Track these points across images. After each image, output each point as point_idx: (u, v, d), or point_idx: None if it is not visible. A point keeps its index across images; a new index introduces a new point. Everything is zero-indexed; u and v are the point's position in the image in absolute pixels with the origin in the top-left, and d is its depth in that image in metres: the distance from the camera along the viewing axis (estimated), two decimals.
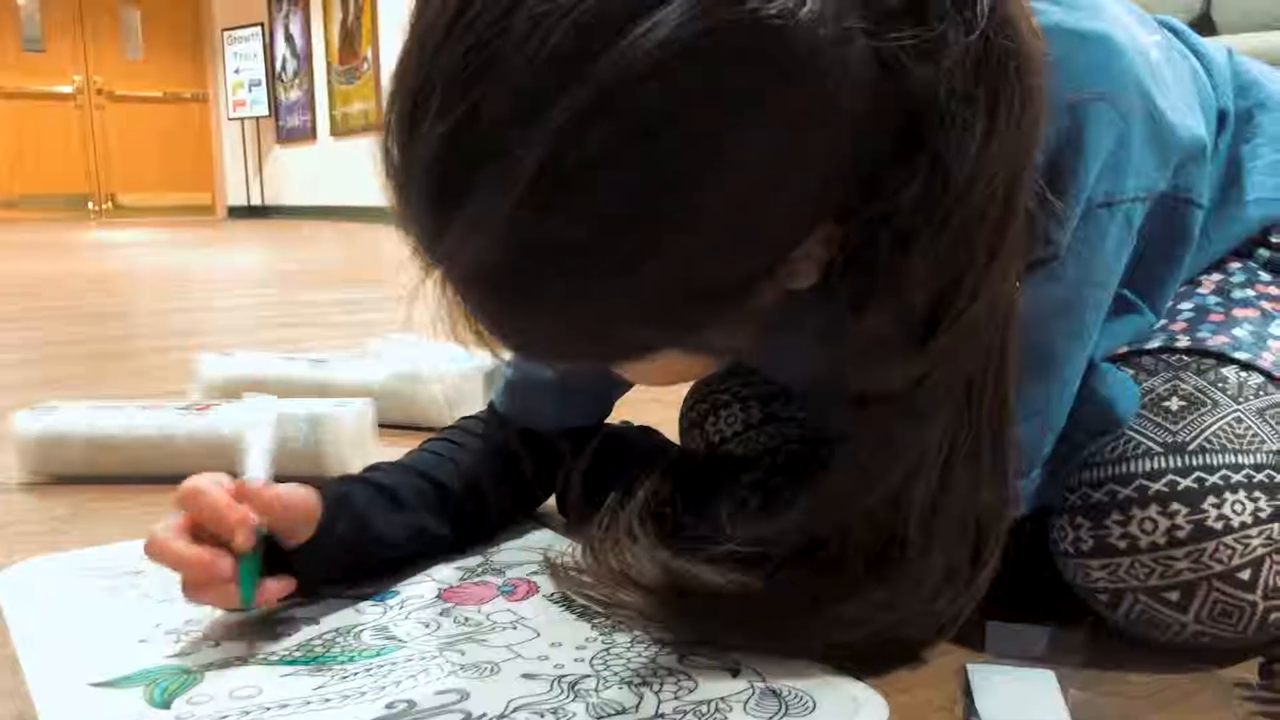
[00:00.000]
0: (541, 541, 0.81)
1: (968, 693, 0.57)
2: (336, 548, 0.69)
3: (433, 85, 0.43)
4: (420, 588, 0.72)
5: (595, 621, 0.66)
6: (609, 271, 0.45)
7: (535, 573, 0.75)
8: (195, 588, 0.62)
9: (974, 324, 0.51)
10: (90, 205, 9.06)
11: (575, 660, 0.61)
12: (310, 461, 1.00)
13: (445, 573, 0.75)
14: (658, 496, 0.76)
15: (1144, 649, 0.61)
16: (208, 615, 0.66)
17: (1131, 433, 0.61)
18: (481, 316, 0.49)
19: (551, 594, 0.71)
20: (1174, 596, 0.58)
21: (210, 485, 0.64)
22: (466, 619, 0.67)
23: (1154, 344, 0.67)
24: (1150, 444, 0.60)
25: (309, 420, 1.01)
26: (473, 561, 0.77)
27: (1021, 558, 0.59)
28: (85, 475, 1.02)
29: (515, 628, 0.66)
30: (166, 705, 0.56)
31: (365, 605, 0.70)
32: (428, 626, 0.66)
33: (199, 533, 0.63)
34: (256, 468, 0.66)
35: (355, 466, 1.00)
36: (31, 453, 1.01)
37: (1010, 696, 0.56)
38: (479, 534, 0.80)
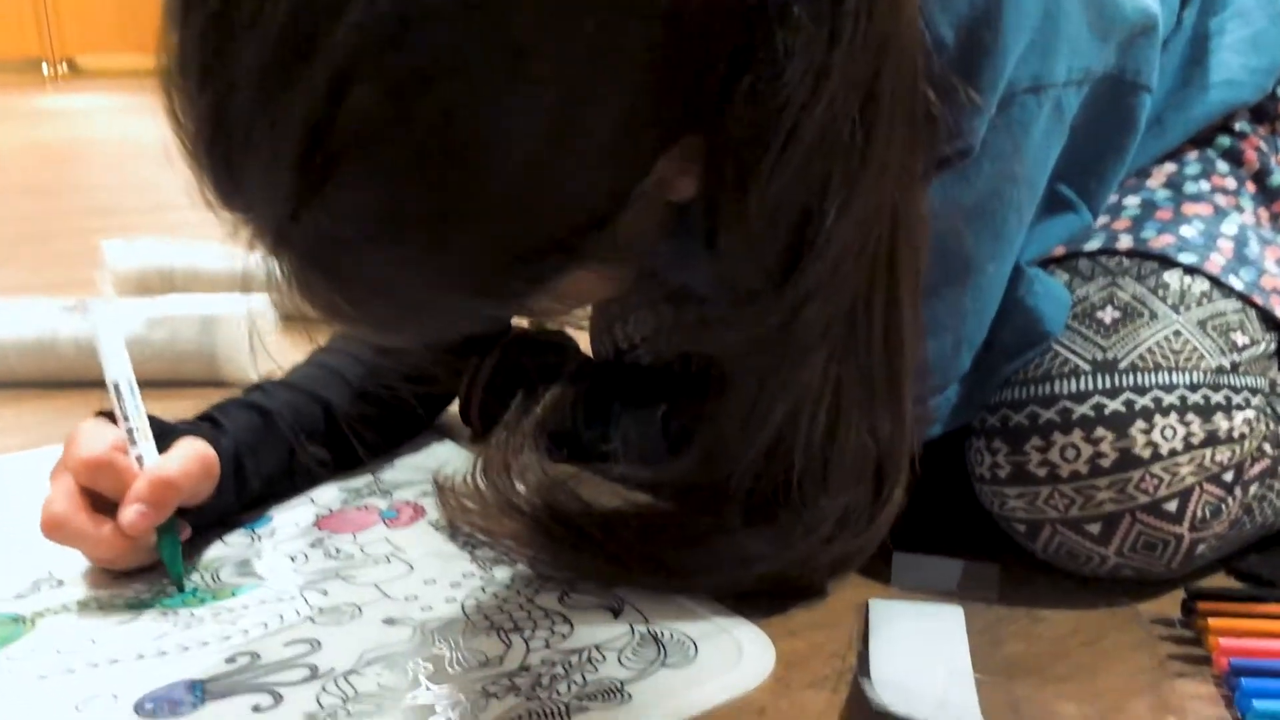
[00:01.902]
0: (440, 456, 0.76)
1: (865, 627, 0.52)
2: (228, 497, 0.63)
3: (186, 58, 0.37)
4: (296, 513, 0.67)
5: (477, 554, 0.61)
6: (415, 250, 0.39)
7: (425, 494, 0.70)
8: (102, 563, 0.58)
9: (843, 249, 0.44)
10: (45, 69, 8.70)
11: (446, 601, 0.56)
12: (204, 366, 0.94)
13: (328, 495, 0.70)
14: (558, 410, 0.70)
15: (1062, 582, 0.56)
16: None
17: (1059, 348, 0.55)
18: (304, 295, 0.42)
19: (436, 520, 0.65)
20: (1095, 529, 0.53)
21: (118, 459, 0.57)
22: (338, 550, 0.62)
23: (1092, 245, 0.60)
24: (1078, 361, 0.54)
25: (202, 322, 0.94)
26: (360, 481, 0.72)
27: (935, 481, 0.54)
28: None
29: (389, 560, 0.60)
30: None
31: (234, 535, 0.64)
32: (294, 560, 0.61)
33: (94, 496, 0.57)
34: (149, 450, 0.59)
35: (251, 369, 0.94)
36: None
37: (910, 634, 0.52)
38: (373, 451, 0.74)
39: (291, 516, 0.66)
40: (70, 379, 0.93)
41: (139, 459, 0.58)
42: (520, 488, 0.62)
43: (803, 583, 0.55)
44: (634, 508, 0.62)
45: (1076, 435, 0.52)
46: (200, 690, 0.48)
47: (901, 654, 0.49)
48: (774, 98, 0.41)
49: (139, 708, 0.47)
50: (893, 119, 0.43)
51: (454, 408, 0.81)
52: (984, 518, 0.57)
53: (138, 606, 0.56)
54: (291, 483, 0.69)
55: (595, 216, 0.41)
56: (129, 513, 0.55)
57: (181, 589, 0.58)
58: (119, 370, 0.60)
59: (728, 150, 0.43)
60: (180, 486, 0.57)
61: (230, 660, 0.51)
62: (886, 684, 0.46)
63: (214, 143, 0.38)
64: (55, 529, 0.55)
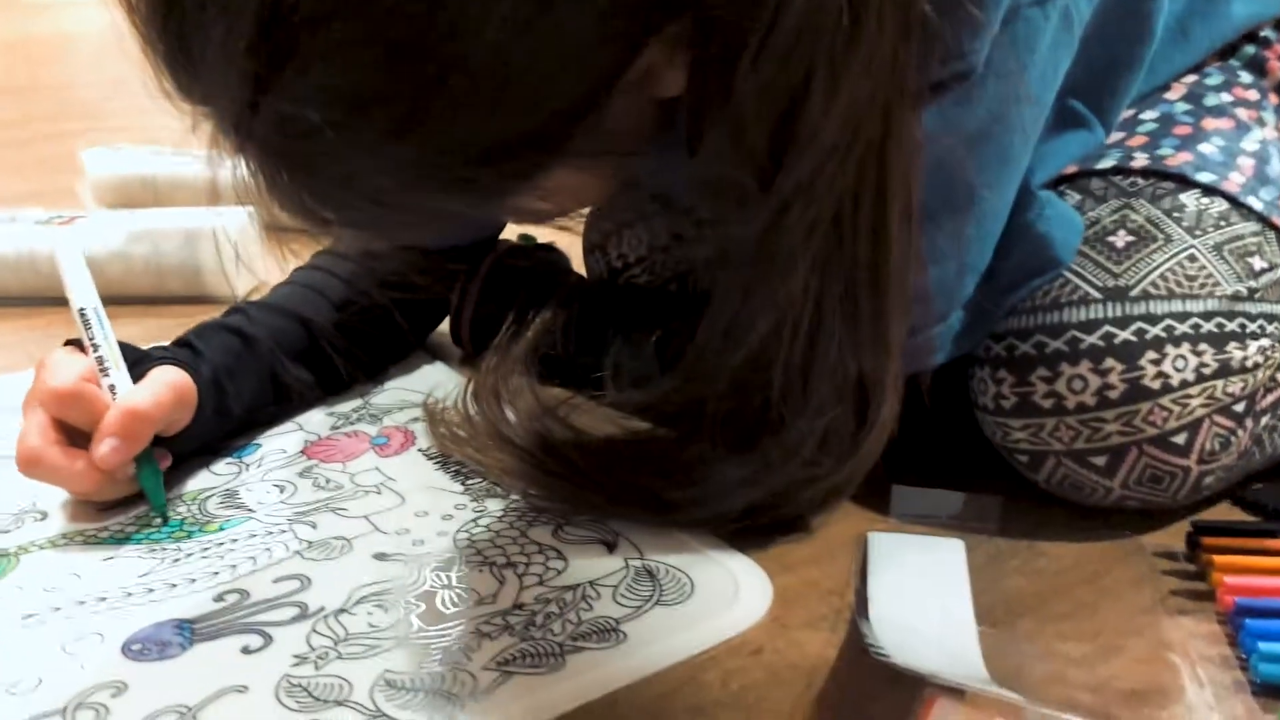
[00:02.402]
0: (431, 379, 0.74)
1: (863, 563, 0.52)
2: (209, 423, 0.62)
3: None
4: (284, 440, 0.66)
5: (469, 484, 0.60)
6: (377, 136, 0.36)
7: (415, 419, 0.68)
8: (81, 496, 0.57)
9: (829, 147, 0.41)
10: None
11: (438, 534, 0.55)
12: (188, 281, 0.92)
13: (316, 420, 0.68)
14: (549, 334, 0.68)
15: (1064, 513, 0.55)
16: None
17: (1068, 274, 0.53)
18: (272, 194, 0.40)
19: (428, 448, 0.64)
20: (1100, 461, 0.52)
21: (87, 390, 0.55)
22: (328, 480, 0.61)
23: (1106, 163, 0.58)
24: (1088, 288, 0.52)
25: (185, 236, 0.91)
26: (348, 406, 0.70)
27: (935, 410, 0.53)
28: None
29: (379, 491, 0.59)
30: None
31: (220, 464, 0.63)
32: (283, 491, 0.60)
33: (68, 428, 0.56)
34: (121, 379, 0.57)
35: (238, 283, 0.92)
36: None
37: (909, 570, 0.51)
38: (360, 371, 0.72)
39: (279, 443, 0.65)
40: (52, 295, 0.91)
41: (111, 389, 0.56)
42: (511, 415, 0.61)
43: (788, 514, 0.54)
44: (626, 434, 0.60)
45: (1084, 366, 0.51)
46: (189, 630, 0.47)
47: (900, 592, 0.49)
48: None
49: (126, 649, 0.46)
50: (881, 16, 0.40)
51: (444, 327, 0.79)
52: (985, 447, 0.56)
53: (123, 540, 0.55)
54: (277, 407, 0.68)
55: (575, 108, 0.38)
56: (102, 447, 0.54)
57: (166, 520, 0.57)
58: (84, 297, 0.58)
59: (712, 35, 0.41)
60: (153, 417, 0.55)
61: (218, 599, 0.50)
62: (885, 625, 0.45)
63: (166, 26, 0.36)
64: (30, 465, 0.54)
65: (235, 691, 0.43)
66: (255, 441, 0.65)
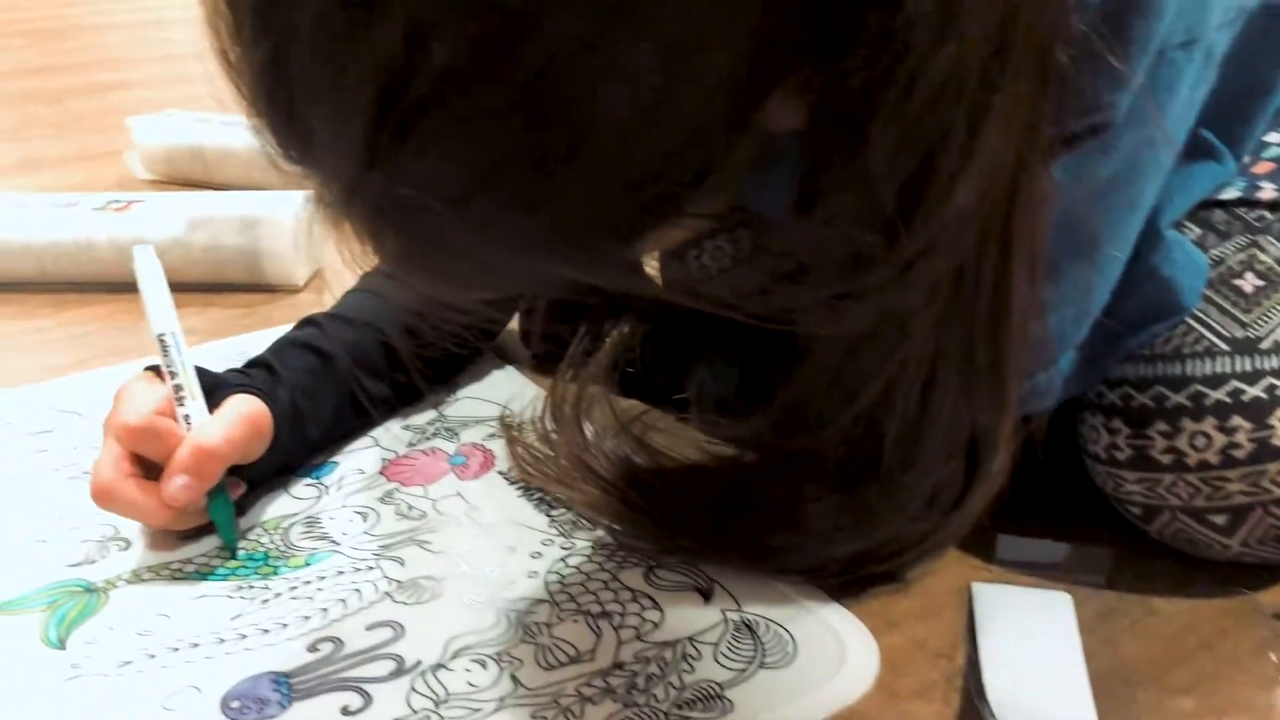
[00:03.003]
0: (503, 387, 0.73)
1: (970, 620, 0.50)
2: (286, 448, 0.61)
3: (239, 18, 0.32)
4: (362, 458, 0.64)
5: (554, 514, 0.59)
6: (499, 213, 0.34)
7: (492, 435, 0.67)
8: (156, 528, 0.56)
9: (957, 209, 0.39)
10: None
11: (528, 576, 0.54)
12: (247, 268, 0.90)
13: (392, 434, 0.67)
14: (626, 350, 0.66)
15: (1173, 563, 0.53)
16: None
17: (1192, 321, 0.51)
18: (373, 247, 0.38)
19: (508, 470, 0.63)
20: (1221, 520, 0.50)
21: (160, 426, 0.54)
22: (410, 507, 0.59)
23: (1230, 193, 0.55)
24: (1214, 339, 0.50)
25: (243, 223, 0.89)
26: (423, 418, 0.69)
27: (1044, 452, 0.51)
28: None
29: (463, 523, 0.58)
30: (62, 644, 0.49)
31: (299, 486, 0.62)
32: (365, 519, 0.59)
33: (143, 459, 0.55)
34: (197, 409, 0.56)
35: (296, 270, 0.91)
36: None
37: (1019, 633, 0.49)
38: (431, 380, 0.71)
39: (357, 462, 0.64)
40: (109, 281, 0.90)
41: (186, 419, 0.55)
42: (589, 433, 0.59)
43: (887, 567, 0.53)
44: (712, 462, 0.59)
45: (1209, 423, 0.48)
46: (286, 685, 0.47)
47: (1013, 658, 0.47)
48: (897, 38, 0.36)
49: (226, 706, 0.45)
50: (1021, 73, 0.37)
51: (513, 324, 0.78)
52: (1089, 489, 0.54)
53: (208, 575, 0.54)
54: (354, 423, 0.67)
55: (699, 169, 0.37)
56: (171, 485, 0.53)
57: (234, 555, 0.56)
58: (164, 323, 0.57)
59: (842, 93, 0.38)
60: (224, 455, 0.54)
61: (312, 649, 0.49)
62: (1001, 699, 0.44)
63: (274, 96, 0.34)
64: (104, 498, 0.54)
65: None
66: (333, 460, 0.64)
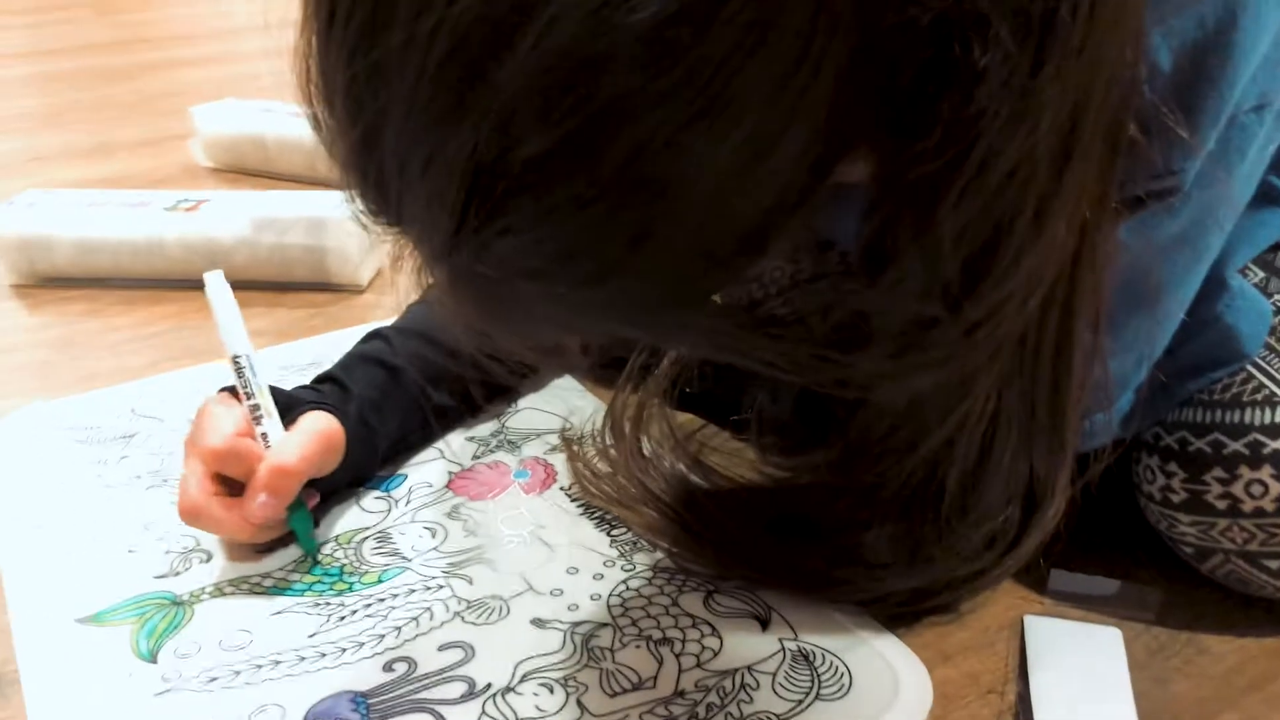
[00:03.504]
0: (563, 399, 0.74)
1: (1022, 654, 0.52)
2: (357, 462, 0.63)
3: (331, 71, 0.33)
4: (429, 471, 0.67)
5: (615, 534, 0.61)
6: (579, 289, 0.35)
7: (553, 448, 0.69)
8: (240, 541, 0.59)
9: (1024, 281, 0.40)
10: None
11: (591, 598, 0.56)
12: (313, 268, 0.92)
13: (456, 446, 0.69)
14: (685, 364, 0.68)
15: (1222, 599, 0.54)
16: None
17: (1252, 369, 0.51)
18: (453, 303, 0.39)
19: (569, 486, 0.65)
20: (1274, 565, 0.51)
21: (240, 448, 0.57)
22: (477, 525, 0.62)
23: None
24: (1275, 388, 0.50)
25: (309, 224, 0.91)
26: (486, 429, 0.71)
27: (1099, 488, 0.51)
28: (73, 277, 0.95)
29: (528, 541, 0.60)
30: (154, 657, 0.52)
31: (369, 497, 0.64)
32: (434, 535, 0.61)
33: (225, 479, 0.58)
34: (273, 427, 0.59)
35: (361, 270, 0.93)
36: (14, 255, 0.93)
37: (1070, 672, 0.51)
38: (493, 393, 0.73)
39: (425, 475, 0.66)
40: (177, 279, 0.93)
41: (264, 437, 0.58)
42: (648, 449, 0.61)
43: (942, 601, 0.54)
44: (769, 483, 0.60)
45: (1266, 471, 0.49)
46: (364, 706, 0.49)
47: (1064, 697, 0.48)
48: (969, 126, 0.36)
49: None
50: (1090, 154, 0.38)
51: None
52: (1142, 524, 0.55)
53: (285, 589, 0.57)
54: (420, 436, 0.69)
55: (767, 237, 0.38)
56: (253, 505, 0.56)
57: (317, 561, 0.59)
58: (239, 345, 0.59)
59: (911, 171, 0.39)
60: (300, 472, 0.57)
61: (387, 668, 0.51)
62: None
63: (365, 171, 0.35)
64: (192, 517, 0.57)
65: None
66: (401, 473, 0.67)
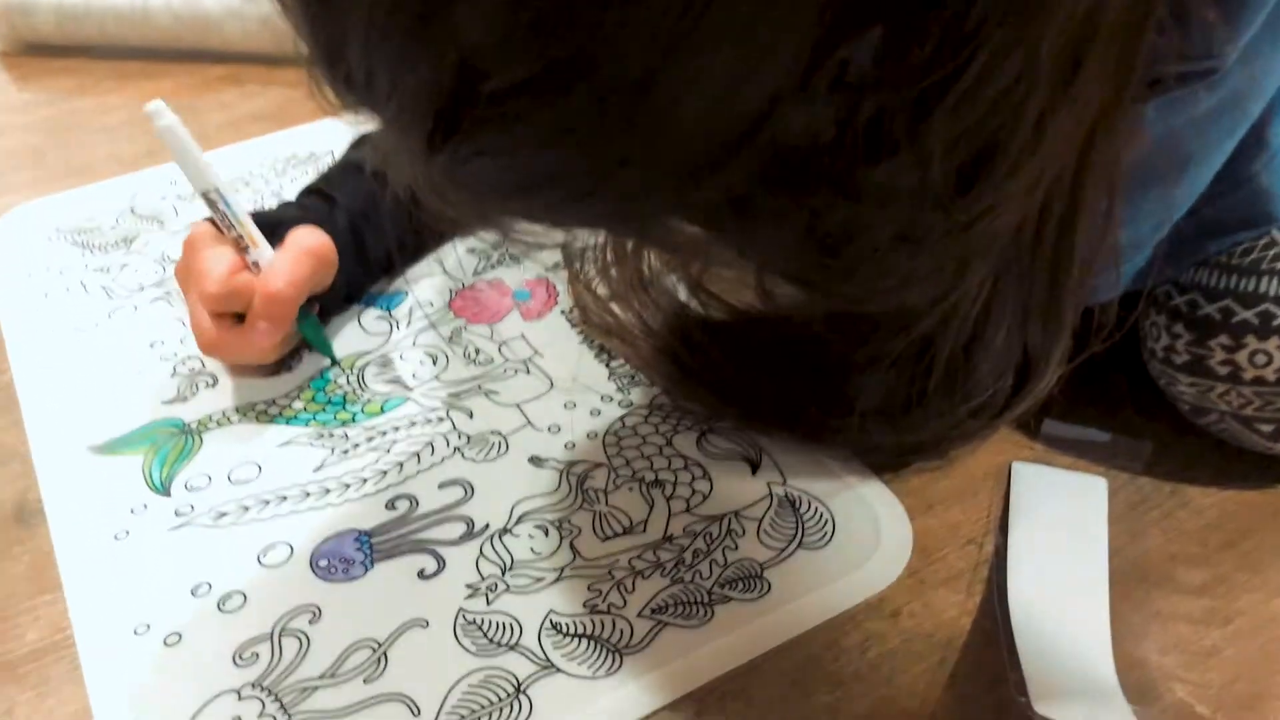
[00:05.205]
0: None
1: (1005, 503, 0.53)
2: (352, 274, 0.63)
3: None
4: (429, 287, 0.67)
5: (614, 365, 0.61)
6: (567, 201, 0.33)
7: (556, 265, 0.68)
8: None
9: (1024, 180, 0.37)
10: None
11: (587, 436, 0.57)
12: None
13: (455, 259, 0.68)
14: None
15: (1216, 450, 0.54)
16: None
17: (1278, 235, 0.48)
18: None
19: (569, 310, 0.64)
20: (1267, 429, 0.51)
21: (236, 285, 0.57)
22: (478, 351, 0.62)
23: None
24: None
25: None
26: (488, 240, 0.70)
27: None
28: (58, 44, 0.91)
29: (529, 370, 0.61)
30: (167, 489, 0.55)
31: (370, 317, 0.65)
32: (435, 363, 0.61)
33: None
34: (262, 255, 0.58)
35: None
36: None
37: (1050, 516, 0.52)
38: None
39: (425, 292, 0.66)
40: (168, 49, 0.88)
41: (255, 265, 0.58)
42: (646, 268, 0.60)
43: (929, 452, 0.55)
44: (770, 312, 0.60)
45: (1273, 343, 0.48)
46: (369, 546, 0.52)
47: (1039, 554, 0.50)
48: (969, 33, 0.33)
49: (315, 564, 0.51)
50: (1108, 49, 0.34)
51: None
52: (1140, 371, 0.55)
53: (292, 419, 0.58)
54: (417, 242, 0.68)
55: (757, 137, 0.36)
56: (255, 334, 0.57)
57: (335, 362, 0.61)
58: (204, 180, 0.57)
59: (913, 71, 0.36)
60: (293, 297, 0.57)
61: (390, 506, 0.54)
62: (1020, 605, 0.48)
63: (332, 72, 0.33)
64: (211, 348, 0.58)
65: (418, 627, 0.48)
66: (401, 290, 0.66)
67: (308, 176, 0.74)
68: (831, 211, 0.43)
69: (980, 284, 0.43)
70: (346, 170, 0.64)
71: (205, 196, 0.56)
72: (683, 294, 0.60)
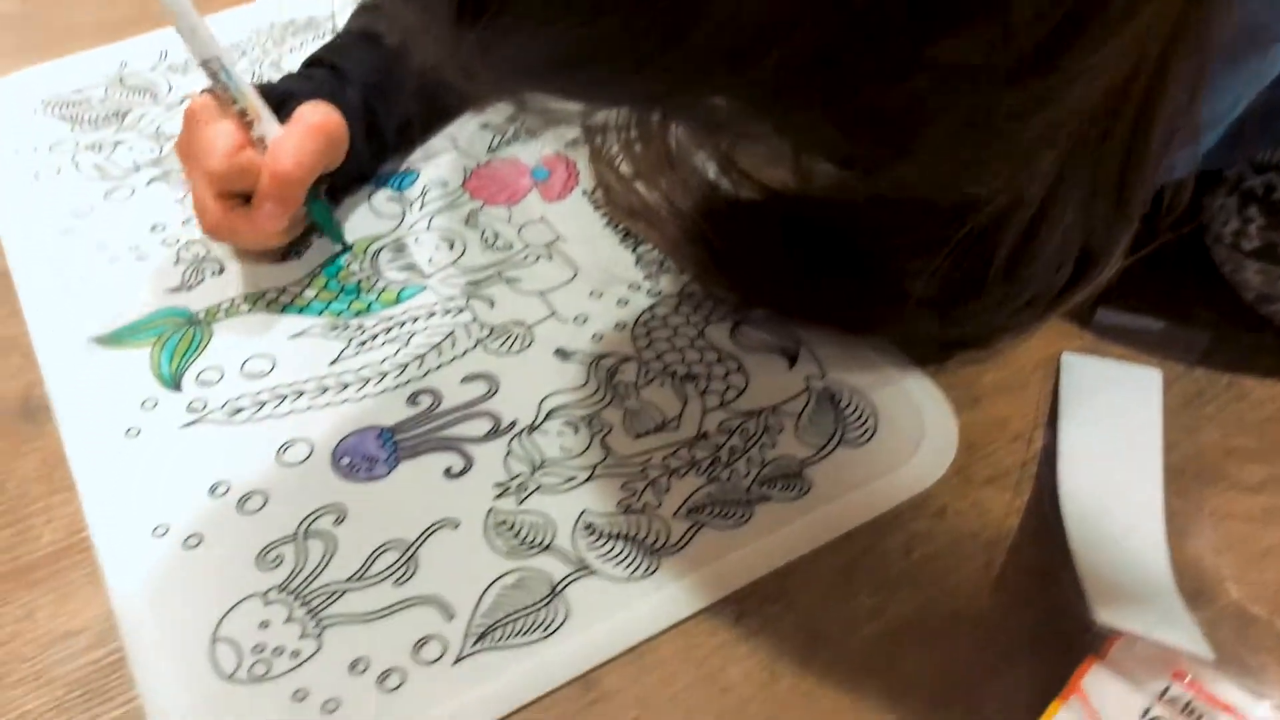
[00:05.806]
0: None
1: (1055, 398, 0.51)
2: (362, 151, 0.59)
3: None
4: (442, 166, 0.63)
5: (640, 250, 0.58)
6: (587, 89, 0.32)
7: (575, 141, 0.64)
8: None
9: (1110, 59, 0.34)
10: None
11: (615, 327, 0.54)
12: None
13: (469, 132, 0.64)
14: None
15: (1274, 342, 0.52)
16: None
17: None
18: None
19: (591, 190, 0.61)
20: None
21: (243, 162, 0.53)
22: (496, 235, 0.59)
23: None
24: None
25: None
26: (503, 112, 0.66)
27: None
28: None
29: (550, 256, 0.58)
30: (177, 383, 0.52)
31: (381, 197, 0.61)
32: (451, 248, 0.58)
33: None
34: (268, 129, 0.54)
35: None
36: None
37: (1103, 404, 0.50)
38: None
39: (438, 172, 0.62)
40: None
41: (261, 140, 0.54)
42: (673, 142, 0.57)
43: (977, 344, 0.52)
44: (804, 189, 0.56)
45: None
46: (392, 444, 0.50)
47: (1091, 452, 0.48)
48: None
49: (337, 463, 0.49)
50: None
51: None
52: (1202, 257, 0.52)
53: (304, 309, 0.56)
54: (429, 118, 0.64)
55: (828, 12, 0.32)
56: (262, 216, 0.54)
57: (346, 247, 0.58)
58: (203, 49, 0.52)
59: None
60: (301, 177, 0.54)
61: (412, 401, 0.51)
62: (1072, 503, 0.46)
63: None
64: (218, 232, 0.55)
65: (448, 527, 0.46)
66: (413, 170, 0.63)
67: (308, 45, 0.69)
68: (894, 93, 0.39)
69: (1048, 167, 0.39)
70: (355, 39, 0.60)
71: (206, 66, 0.52)
72: (712, 172, 0.57)
